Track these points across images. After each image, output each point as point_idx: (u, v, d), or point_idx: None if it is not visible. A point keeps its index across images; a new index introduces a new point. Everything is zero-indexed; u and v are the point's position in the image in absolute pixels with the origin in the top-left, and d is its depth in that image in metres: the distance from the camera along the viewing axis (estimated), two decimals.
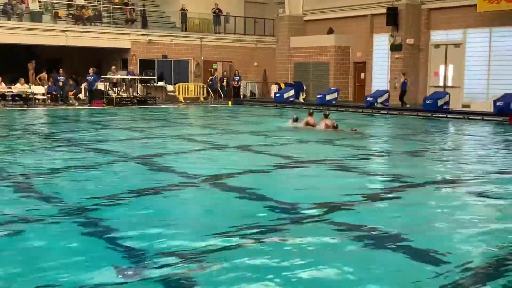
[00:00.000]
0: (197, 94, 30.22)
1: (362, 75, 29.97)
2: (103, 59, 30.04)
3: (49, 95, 25.58)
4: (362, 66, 30.01)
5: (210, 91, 30.37)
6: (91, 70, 25.89)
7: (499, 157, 11.23)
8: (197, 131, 16.15)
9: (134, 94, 27.53)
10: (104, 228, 5.58)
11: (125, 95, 26.92)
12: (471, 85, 25.28)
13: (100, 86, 26.24)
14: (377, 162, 10.79)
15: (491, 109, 20.54)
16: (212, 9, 32.09)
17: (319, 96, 26.82)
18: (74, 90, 26.40)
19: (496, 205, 6.82)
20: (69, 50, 27.85)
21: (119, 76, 27.42)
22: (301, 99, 29.47)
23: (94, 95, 25.75)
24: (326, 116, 16.08)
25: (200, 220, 6.13)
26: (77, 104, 25.50)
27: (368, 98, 25.11)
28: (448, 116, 21.53)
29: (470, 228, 5.79)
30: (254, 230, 5.47)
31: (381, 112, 23.75)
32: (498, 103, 20.27)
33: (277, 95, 28.67)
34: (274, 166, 9.47)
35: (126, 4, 30.57)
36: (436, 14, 26.55)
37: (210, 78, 30.77)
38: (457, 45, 25.86)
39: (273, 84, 31.87)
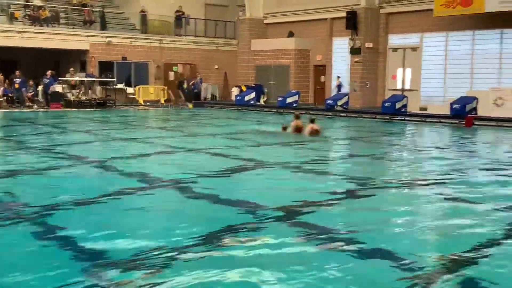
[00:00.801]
0: (158, 97, 29.97)
1: (322, 78, 30.26)
2: (61, 60, 29.53)
3: (5, 98, 25.00)
4: (322, 69, 30.30)
5: (181, 94, 30.30)
6: (49, 73, 25.43)
7: (455, 159, 11.48)
8: (158, 133, 16.02)
9: (93, 97, 27.13)
10: (60, 233, 5.47)
11: (83, 98, 26.50)
12: (428, 88, 25.82)
13: (58, 88, 25.77)
14: (336, 165, 10.89)
15: (448, 111, 20.99)
16: (176, 11, 31.93)
17: (279, 98, 26.94)
18: (33, 92, 25.88)
19: (452, 206, 6.96)
20: (26, 51, 27.28)
21: (77, 78, 26.98)
22: (262, 102, 29.55)
23: (52, 98, 25.28)
24: (297, 117, 15.90)
25: (159, 225, 6.07)
26: (35, 106, 24.96)
27: (328, 101, 25.35)
28: (406, 119, 21.91)
29: (427, 228, 5.90)
30: (215, 234, 5.46)
31: (340, 114, 24.01)
32: (454, 106, 20.72)
33: (238, 97, 28.69)
34: (234, 169, 9.46)
35: (84, 5, 30.11)
36: (394, 18, 27.03)
37: (192, 82, 30.63)
38: (414, 49, 26.37)
39: (234, 86, 31.88)
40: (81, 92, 26.67)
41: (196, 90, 30.45)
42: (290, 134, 15.20)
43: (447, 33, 25.06)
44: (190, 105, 29.09)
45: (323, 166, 10.24)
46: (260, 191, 7.87)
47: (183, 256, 4.80)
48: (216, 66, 33.13)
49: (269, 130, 16.78)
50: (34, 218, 6.00)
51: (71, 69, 27.11)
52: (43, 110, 24.18)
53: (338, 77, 27.79)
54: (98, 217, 6.20)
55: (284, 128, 15.89)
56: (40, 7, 28.02)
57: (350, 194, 7.58)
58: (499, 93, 20.76)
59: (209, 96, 32.18)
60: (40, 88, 26.34)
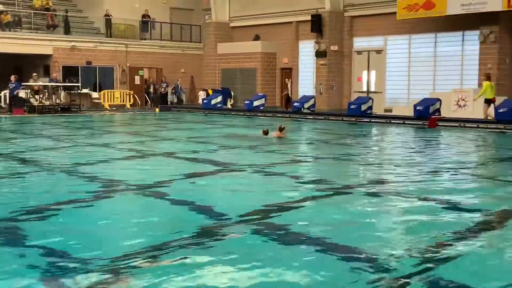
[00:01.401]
0: (123, 101, 29.74)
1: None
2: (23, 65, 29.02)
3: None
4: (288, 72, 30.44)
5: (148, 99, 30.20)
6: (13, 78, 25.01)
7: (419, 160, 11.66)
8: (124, 138, 15.87)
9: (57, 102, 26.75)
10: (25, 241, 5.38)
11: (47, 103, 26.11)
12: (393, 90, 26.21)
13: (21, 93, 25.34)
14: (304, 167, 10.94)
15: (412, 113, 21.30)
16: (143, 15, 31.75)
17: (246, 102, 26.99)
18: None
19: (418, 206, 7.06)
20: None
21: (40, 83, 26.57)
22: (229, 105, 29.56)
23: (15, 103, 24.85)
24: (280, 130, 15.72)
25: (125, 230, 6.01)
26: None
27: (295, 104, 25.49)
28: (372, 120, 22.17)
29: (394, 229, 5.97)
30: (182, 240, 5.44)
31: (307, 117, 24.16)
32: (418, 108, 21.05)
33: (205, 101, 28.64)
34: (202, 172, 9.43)
35: (47, 9, 29.67)
36: (358, 21, 27.35)
37: (173, 86, 30.59)
38: (378, 51, 26.73)
39: (201, 90, 31.83)
40: (44, 97, 26.27)
41: (177, 95, 30.66)
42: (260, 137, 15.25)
43: (410, 35, 25.49)
44: (157, 109, 28.93)
45: (290, 169, 10.27)
46: (226, 195, 7.87)
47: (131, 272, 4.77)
48: (183, 70, 33.01)
49: (249, 134, 16.56)
50: None
51: (34, 74, 26.70)
52: (6, 115, 23.73)
53: (287, 80, 28.43)
54: (52, 225, 6.11)
55: (266, 133, 15.67)
56: (1, 12, 27.52)
57: (316, 197, 7.62)
58: (461, 94, 21.18)
59: (175, 100, 32.07)
60: (3, 93, 25.87)
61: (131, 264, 4.67)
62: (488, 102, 19.51)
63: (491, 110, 19.47)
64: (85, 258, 4.82)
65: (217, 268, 4.61)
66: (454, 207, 6.97)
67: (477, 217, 6.47)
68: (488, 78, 19.96)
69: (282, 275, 4.50)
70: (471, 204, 7.24)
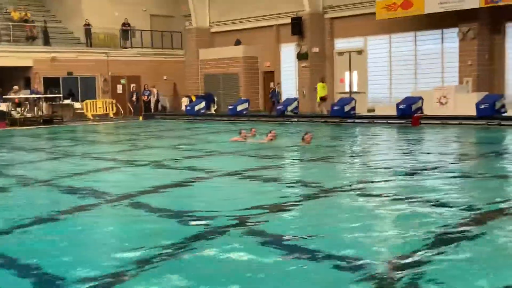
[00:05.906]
0: (106, 111, 29.58)
1: (271, 84, 30.44)
2: (3, 78, 28.72)
3: None
4: (271, 76, 30.48)
5: (131, 107, 29.95)
6: None
7: (404, 159, 11.71)
8: (108, 148, 15.77)
9: (39, 114, 26.55)
10: (11, 257, 5.32)
11: (29, 115, 25.90)
12: (375, 90, 26.33)
13: (2, 106, 25.13)
14: (288, 171, 10.95)
15: (394, 112, 21.40)
16: (123, 24, 31.60)
17: (230, 107, 26.96)
18: None
19: (402, 207, 7.09)
20: None
21: (21, 96, 26.35)
22: (212, 111, 29.52)
23: None
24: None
25: (113, 241, 5.97)
26: None
27: (279, 107, 25.51)
28: (356, 121, 22.24)
29: (377, 231, 5.99)
30: (170, 248, 5.41)
31: (292, 120, 24.19)
32: (400, 106, 21.14)
33: (188, 107, 28.58)
34: (186, 180, 9.39)
35: (26, 21, 29.43)
36: (338, 22, 27.46)
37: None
38: (359, 52, 26.86)
39: (184, 97, 31.75)
40: (26, 110, 26.06)
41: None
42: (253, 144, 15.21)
43: (390, 35, 25.65)
44: (140, 118, 28.82)
45: (274, 173, 10.26)
46: (211, 201, 7.83)
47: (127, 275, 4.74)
48: (165, 77, 32.92)
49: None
50: None
51: (15, 86, 26.46)
52: None
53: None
54: (47, 236, 6.06)
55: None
56: None
57: (300, 200, 7.62)
58: (442, 92, 21.34)
59: (159, 108, 31.95)
60: None
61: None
62: (322, 99, 24.82)
63: (326, 105, 24.35)
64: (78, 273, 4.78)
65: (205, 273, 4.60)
66: (440, 205, 7.01)
67: (464, 214, 6.51)
68: (322, 80, 25.00)
69: (269, 279, 4.49)
70: (459, 201, 7.27)
